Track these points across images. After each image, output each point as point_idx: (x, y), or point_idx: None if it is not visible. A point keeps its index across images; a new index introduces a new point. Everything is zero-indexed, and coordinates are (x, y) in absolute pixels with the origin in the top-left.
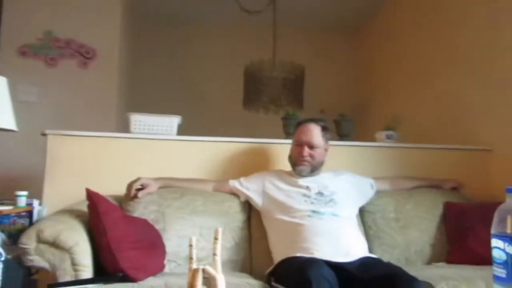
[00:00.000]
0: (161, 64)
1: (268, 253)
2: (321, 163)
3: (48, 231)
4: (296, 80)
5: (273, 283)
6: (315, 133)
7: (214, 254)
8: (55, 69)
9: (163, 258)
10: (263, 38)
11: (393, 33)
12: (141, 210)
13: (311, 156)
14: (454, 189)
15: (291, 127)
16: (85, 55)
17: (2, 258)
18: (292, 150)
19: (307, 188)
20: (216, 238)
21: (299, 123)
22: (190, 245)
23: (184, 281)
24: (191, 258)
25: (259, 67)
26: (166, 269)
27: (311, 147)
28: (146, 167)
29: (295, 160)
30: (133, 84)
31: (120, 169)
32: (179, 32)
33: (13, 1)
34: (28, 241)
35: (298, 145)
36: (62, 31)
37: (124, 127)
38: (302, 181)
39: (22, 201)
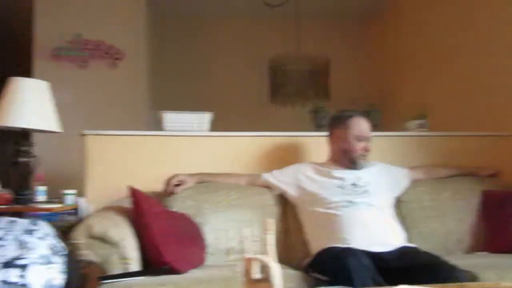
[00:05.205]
0: (186, 61)
1: (305, 244)
2: None
3: (97, 227)
4: (322, 72)
5: (312, 274)
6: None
7: (268, 245)
8: (86, 70)
9: (204, 251)
10: (286, 30)
11: (419, 19)
12: (180, 205)
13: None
14: (491, 176)
15: (321, 119)
16: (114, 55)
17: (65, 252)
18: (349, 144)
19: (342, 179)
20: (268, 229)
21: (350, 117)
22: (245, 236)
23: (226, 273)
24: (244, 249)
25: (284, 60)
26: (207, 262)
27: (369, 141)
28: (180, 163)
29: (357, 155)
30: (159, 81)
31: (156, 166)
32: (202, 28)
33: (43, 7)
34: (79, 237)
35: (359, 140)
36: (91, 34)
37: (154, 124)
38: (337, 173)
39: (69, 199)
